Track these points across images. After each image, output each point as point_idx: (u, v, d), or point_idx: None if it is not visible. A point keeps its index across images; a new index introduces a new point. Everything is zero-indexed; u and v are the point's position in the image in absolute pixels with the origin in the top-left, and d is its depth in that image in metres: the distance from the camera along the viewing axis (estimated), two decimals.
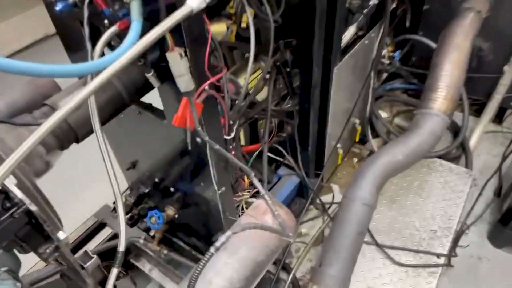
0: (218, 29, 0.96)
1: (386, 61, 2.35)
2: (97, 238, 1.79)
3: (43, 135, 0.54)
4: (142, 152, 1.45)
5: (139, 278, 1.95)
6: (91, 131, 1.01)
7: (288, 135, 1.98)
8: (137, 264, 1.88)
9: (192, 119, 0.91)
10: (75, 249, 1.73)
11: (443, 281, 1.81)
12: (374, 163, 1.51)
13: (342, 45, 1.66)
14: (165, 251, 1.57)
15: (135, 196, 1.55)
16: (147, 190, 1.57)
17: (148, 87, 1.11)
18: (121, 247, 0.82)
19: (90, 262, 0.73)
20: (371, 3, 1.68)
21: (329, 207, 2.07)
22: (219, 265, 0.86)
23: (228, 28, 0.98)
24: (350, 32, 1.73)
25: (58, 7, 0.91)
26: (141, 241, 1.56)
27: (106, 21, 0.86)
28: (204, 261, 0.69)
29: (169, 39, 0.75)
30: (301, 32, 1.45)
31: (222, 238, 0.70)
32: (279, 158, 2.06)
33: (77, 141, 0.99)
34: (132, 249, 1.89)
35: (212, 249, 0.69)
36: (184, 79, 0.81)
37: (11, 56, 3.75)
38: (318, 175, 2.03)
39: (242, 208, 1.52)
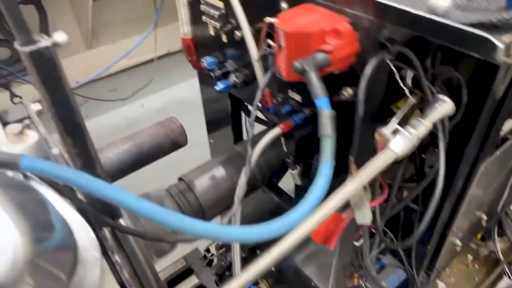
0: None
1: None
2: (182, 285, 1.75)
3: None
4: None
5: None
6: (218, 213, 0.94)
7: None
8: None
9: (336, 239, 0.78)
10: None
11: None
12: None
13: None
14: None
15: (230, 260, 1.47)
16: (244, 255, 1.48)
17: (283, 172, 1.02)
18: None
19: None
20: None
21: None
22: None
23: None
24: (508, 126, 1.46)
25: (219, 87, 0.86)
26: None
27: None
28: None
29: (353, 168, 0.63)
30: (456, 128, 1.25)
31: None
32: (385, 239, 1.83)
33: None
34: None
35: None
36: (363, 212, 0.69)
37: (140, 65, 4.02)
38: (428, 274, 1.75)
39: None
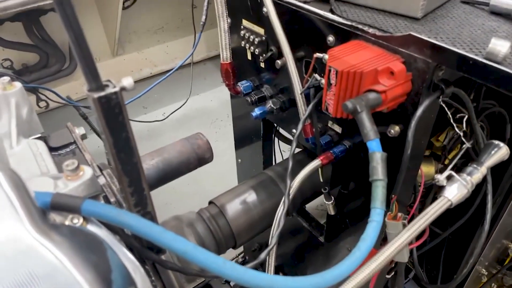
0: (426, 171, 0.80)
1: None
2: None
3: None
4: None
5: None
6: (249, 239, 0.93)
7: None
8: None
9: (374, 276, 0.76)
10: None
11: None
12: None
13: None
14: None
15: None
16: None
17: (313, 198, 1.01)
18: None
19: None
20: None
21: None
22: None
23: (436, 171, 0.82)
24: None
25: (256, 113, 0.86)
26: None
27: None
28: None
29: (395, 206, 0.62)
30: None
31: None
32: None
33: (234, 247, 0.92)
34: None
35: None
36: (402, 251, 0.67)
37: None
38: None
39: None
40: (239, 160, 1.29)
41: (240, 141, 1.26)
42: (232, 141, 1.31)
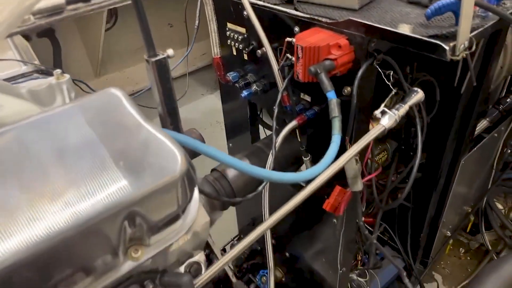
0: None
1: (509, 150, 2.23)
2: None
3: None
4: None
5: None
6: (246, 194, 1.14)
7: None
8: None
9: (343, 206, 0.99)
10: None
11: None
12: (498, 270, 1.42)
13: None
14: None
15: (248, 250, 1.66)
16: (259, 248, 1.66)
17: (294, 166, 1.23)
18: None
19: None
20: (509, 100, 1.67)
21: None
22: None
23: None
24: (482, 126, 1.71)
25: (244, 94, 1.09)
26: None
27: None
28: None
29: (348, 145, 0.85)
30: (437, 126, 1.49)
31: None
32: (382, 236, 2.03)
33: (234, 204, 1.12)
34: None
35: None
36: (356, 181, 0.90)
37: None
38: (423, 263, 1.95)
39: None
40: (230, 145, 1.51)
41: (231, 130, 1.49)
42: (220, 145, 1.54)
